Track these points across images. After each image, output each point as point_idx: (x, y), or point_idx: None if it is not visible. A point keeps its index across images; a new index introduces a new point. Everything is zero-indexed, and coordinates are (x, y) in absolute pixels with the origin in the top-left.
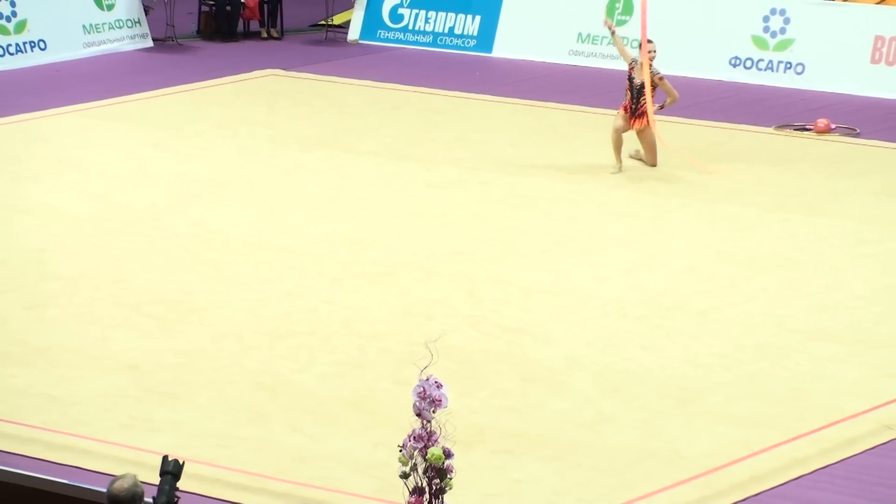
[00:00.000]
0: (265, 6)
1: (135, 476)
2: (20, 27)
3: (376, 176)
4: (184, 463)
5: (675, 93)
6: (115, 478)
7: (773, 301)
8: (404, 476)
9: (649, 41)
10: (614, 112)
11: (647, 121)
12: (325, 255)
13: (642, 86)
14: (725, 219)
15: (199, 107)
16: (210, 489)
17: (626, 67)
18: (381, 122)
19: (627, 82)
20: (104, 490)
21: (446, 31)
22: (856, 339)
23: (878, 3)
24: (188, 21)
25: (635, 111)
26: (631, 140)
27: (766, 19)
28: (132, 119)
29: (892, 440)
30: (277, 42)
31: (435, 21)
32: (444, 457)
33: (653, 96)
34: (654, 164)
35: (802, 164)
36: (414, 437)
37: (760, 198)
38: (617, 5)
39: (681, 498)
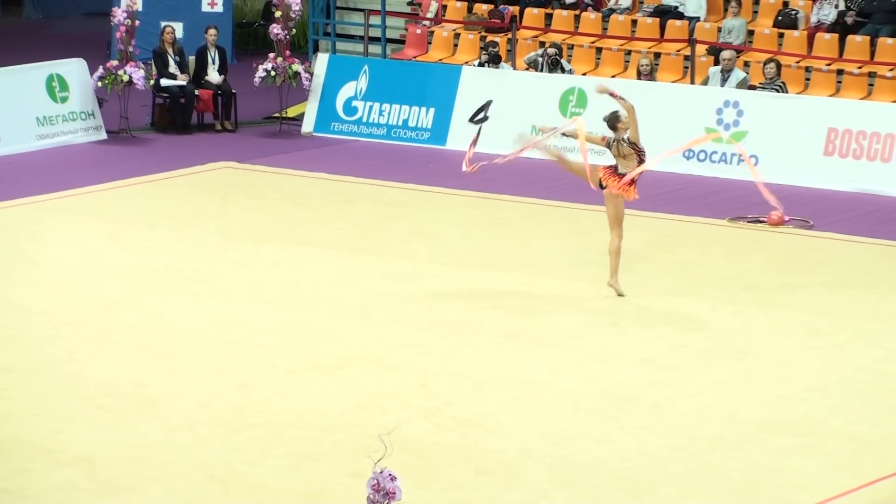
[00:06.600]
0: (219, 98)
1: None
2: None
3: (330, 268)
4: None
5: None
6: None
7: (727, 393)
8: None
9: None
10: (566, 204)
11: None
12: (278, 347)
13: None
14: (679, 311)
15: (152, 199)
16: None
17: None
18: (336, 214)
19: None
20: None
21: (400, 123)
22: (809, 431)
23: (831, 96)
24: (142, 113)
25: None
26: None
27: (719, 111)
28: (85, 211)
29: None
30: (231, 134)
31: (389, 113)
32: None
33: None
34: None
35: (756, 256)
36: None
37: (714, 290)
38: (570, 98)
39: None
